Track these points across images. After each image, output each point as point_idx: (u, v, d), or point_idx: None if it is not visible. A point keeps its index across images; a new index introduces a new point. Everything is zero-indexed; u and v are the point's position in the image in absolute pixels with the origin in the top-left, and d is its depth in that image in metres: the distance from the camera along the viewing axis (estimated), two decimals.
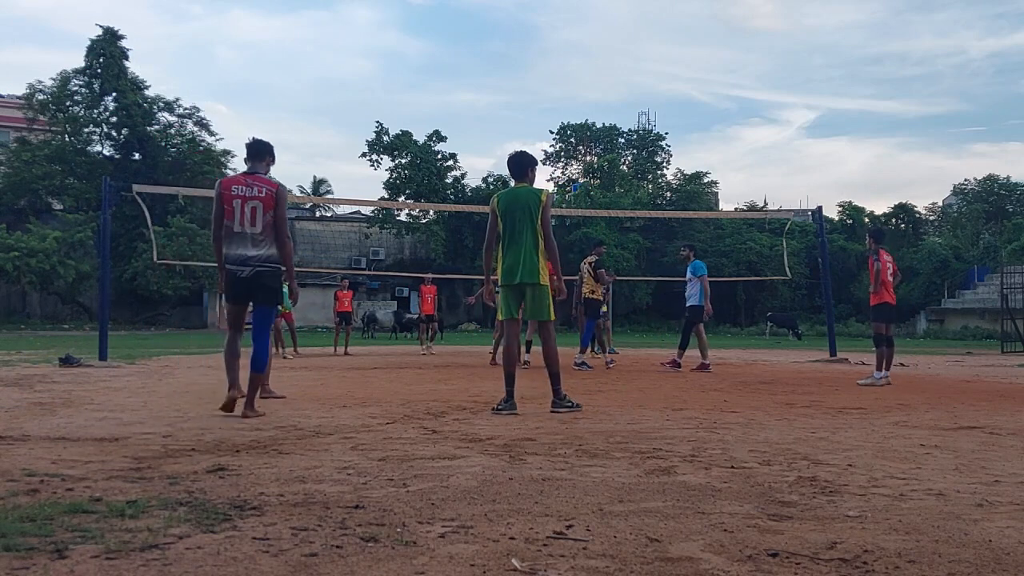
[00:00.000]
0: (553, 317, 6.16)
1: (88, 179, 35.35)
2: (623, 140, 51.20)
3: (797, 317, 33.83)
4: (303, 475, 3.44)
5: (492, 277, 6.21)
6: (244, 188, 5.57)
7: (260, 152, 5.86)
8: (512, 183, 6.43)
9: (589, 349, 15.30)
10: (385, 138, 41.01)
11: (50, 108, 36.32)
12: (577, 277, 12.36)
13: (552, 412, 5.91)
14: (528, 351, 11.72)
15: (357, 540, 2.42)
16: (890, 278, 9.32)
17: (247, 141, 5.92)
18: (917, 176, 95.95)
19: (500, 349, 12.49)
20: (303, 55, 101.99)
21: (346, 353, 15.83)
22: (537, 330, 6.44)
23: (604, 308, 16.20)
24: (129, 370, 10.44)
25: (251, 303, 5.82)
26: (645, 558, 2.28)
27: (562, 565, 2.21)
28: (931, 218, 53.40)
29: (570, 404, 6.01)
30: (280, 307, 14.53)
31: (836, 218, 46.43)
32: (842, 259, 40.90)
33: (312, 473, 3.48)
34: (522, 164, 6.29)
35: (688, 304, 11.53)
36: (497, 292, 6.32)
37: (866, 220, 46.66)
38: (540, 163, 50.37)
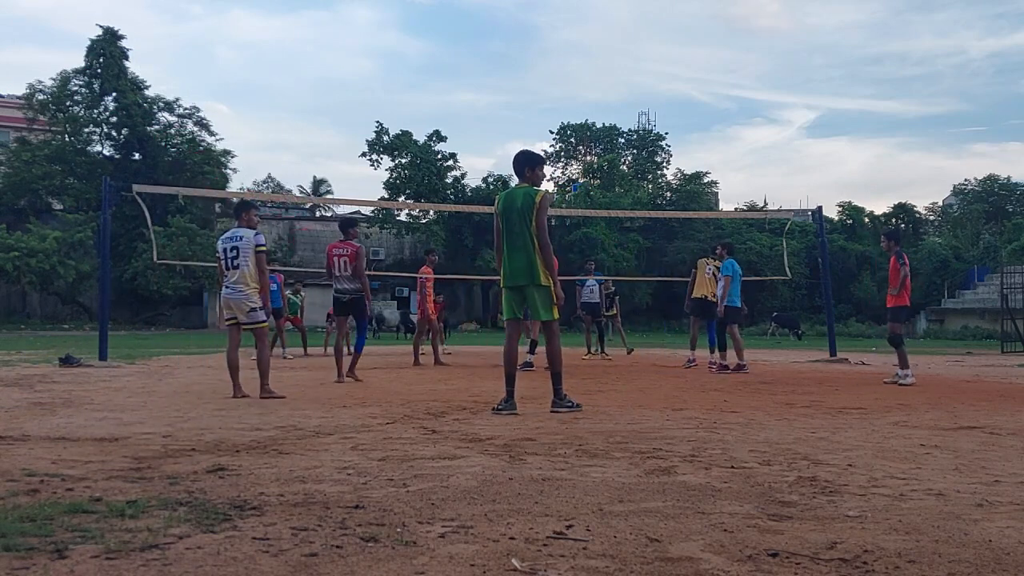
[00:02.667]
0: (556, 317, 6.10)
1: (88, 179, 35.33)
2: (623, 140, 51.24)
3: (798, 317, 33.80)
4: (303, 475, 3.44)
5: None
6: (339, 249, 9.09)
7: (347, 226, 9.46)
8: (515, 182, 6.41)
9: (597, 350, 15.23)
10: (385, 138, 41.00)
11: (50, 108, 36.31)
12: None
13: (552, 412, 5.91)
14: (532, 352, 11.59)
15: (357, 540, 2.42)
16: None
17: (341, 217, 9.63)
18: (917, 176, 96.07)
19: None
20: (303, 55, 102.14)
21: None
22: (541, 330, 6.38)
23: (612, 311, 16.22)
24: (129, 370, 10.44)
25: (350, 316, 9.36)
26: (645, 558, 2.28)
27: (562, 565, 2.21)
28: (931, 218, 53.42)
29: (570, 404, 6.01)
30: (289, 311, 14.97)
31: (836, 218, 46.41)
32: (842, 259, 40.88)
33: (312, 473, 3.48)
34: (522, 163, 6.22)
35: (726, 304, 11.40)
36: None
37: (866, 220, 46.67)
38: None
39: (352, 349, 9.83)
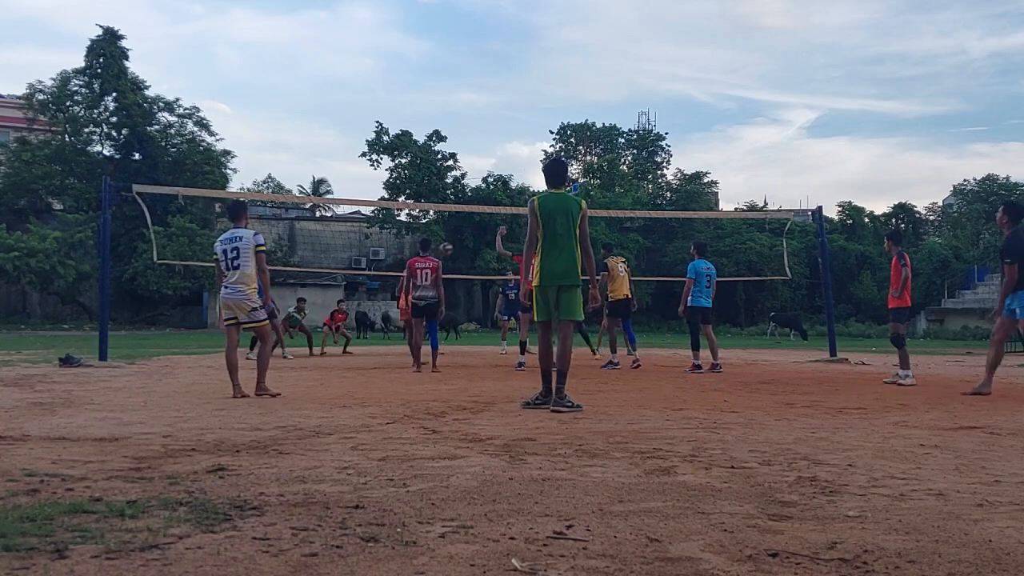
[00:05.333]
0: (583, 317, 6.53)
1: (88, 179, 35.33)
2: (623, 140, 51.30)
3: (799, 317, 33.67)
4: (303, 475, 3.43)
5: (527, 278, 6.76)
6: (422, 263, 10.79)
7: (427, 245, 11.35)
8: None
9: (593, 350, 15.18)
10: (385, 138, 41.02)
11: (50, 108, 36.30)
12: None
13: (552, 411, 5.93)
14: (523, 352, 11.61)
15: (357, 540, 2.42)
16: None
17: (422, 238, 13.06)
18: (917, 176, 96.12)
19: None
20: (303, 55, 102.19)
21: (345, 353, 15.76)
22: (560, 330, 6.66)
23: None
24: (129, 370, 10.44)
25: (426, 319, 10.91)
26: (645, 558, 2.28)
27: (562, 565, 2.21)
28: (931, 218, 53.42)
29: (571, 404, 6.05)
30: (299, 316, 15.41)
31: (836, 218, 46.45)
32: (842, 259, 40.89)
33: (312, 473, 3.48)
34: (563, 172, 6.70)
35: (688, 305, 11.37)
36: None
37: (866, 220, 46.67)
38: (540, 163, 51.04)
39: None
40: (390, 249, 43.88)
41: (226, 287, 7.14)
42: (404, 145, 40.76)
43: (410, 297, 10.90)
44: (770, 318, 33.55)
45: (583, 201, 6.56)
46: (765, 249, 39.66)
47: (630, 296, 12.14)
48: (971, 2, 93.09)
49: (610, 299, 11.93)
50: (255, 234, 7.24)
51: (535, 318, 6.60)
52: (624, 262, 12.50)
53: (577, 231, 6.38)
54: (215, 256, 7.30)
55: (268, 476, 3.41)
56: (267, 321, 7.46)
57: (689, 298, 11.10)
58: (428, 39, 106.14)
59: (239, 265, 7.08)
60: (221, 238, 7.32)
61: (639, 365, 11.63)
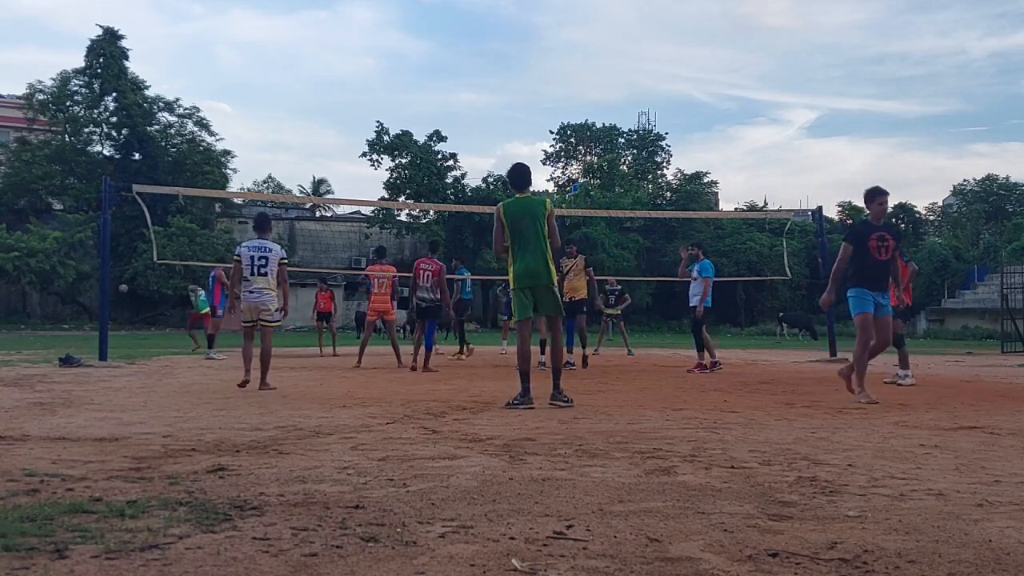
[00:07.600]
0: (563, 313, 6.76)
1: (88, 179, 35.30)
2: (623, 140, 51.28)
3: (808, 316, 33.41)
4: (303, 475, 3.44)
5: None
6: (426, 264, 10.79)
7: (434, 246, 11.58)
8: (513, 192, 6.82)
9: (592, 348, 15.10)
10: (385, 138, 41.00)
11: (50, 108, 36.27)
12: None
13: (550, 404, 6.20)
14: (543, 352, 11.45)
15: (357, 540, 2.42)
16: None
17: (431, 240, 14.33)
18: (917, 176, 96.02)
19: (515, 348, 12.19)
20: (303, 55, 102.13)
21: (334, 354, 15.50)
22: (549, 326, 6.94)
23: (617, 309, 16.22)
24: (129, 370, 10.44)
25: (426, 319, 10.99)
26: (645, 558, 2.28)
27: (562, 565, 2.21)
28: (931, 218, 53.42)
29: (566, 400, 6.32)
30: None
31: (836, 218, 46.41)
32: None
33: (312, 473, 3.48)
34: (528, 176, 6.81)
35: (691, 304, 11.33)
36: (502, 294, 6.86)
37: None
38: (540, 163, 51.02)
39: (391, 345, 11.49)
40: (390, 249, 43.70)
41: (250, 291, 7.80)
42: (404, 145, 40.75)
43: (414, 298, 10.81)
44: (779, 318, 33.44)
45: (548, 201, 6.75)
46: (765, 249, 39.62)
47: (574, 297, 11.54)
48: (971, 2, 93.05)
49: (575, 298, 11.40)
50: (282, 248, 8.17)
51: (514, 318, 6.76)
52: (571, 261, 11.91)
53: (545, 230, 6.50)
54: (236, 257, 7.98)
55: (268, 476, 3.41)
56: (279, 322, 8.10)
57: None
58: (428, 39, 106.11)
59: (266, 273, 7.81)
60: (249, 244, 7.98)
61: (573, 366, 11.23)
